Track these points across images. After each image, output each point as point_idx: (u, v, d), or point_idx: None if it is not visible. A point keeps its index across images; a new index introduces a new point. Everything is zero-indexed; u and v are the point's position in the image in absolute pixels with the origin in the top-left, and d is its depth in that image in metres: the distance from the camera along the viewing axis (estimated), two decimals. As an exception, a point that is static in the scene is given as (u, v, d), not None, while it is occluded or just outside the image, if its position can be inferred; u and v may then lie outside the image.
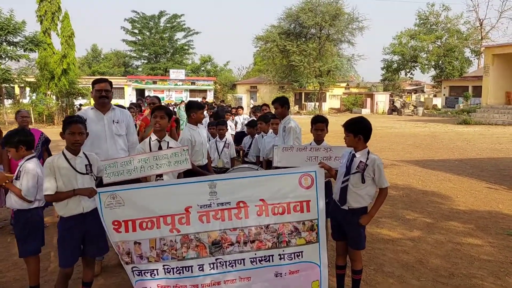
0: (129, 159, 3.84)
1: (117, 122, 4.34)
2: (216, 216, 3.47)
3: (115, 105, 4.92)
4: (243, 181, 3.52)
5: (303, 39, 41.03)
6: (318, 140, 4.33)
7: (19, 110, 6.11)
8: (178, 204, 3.45)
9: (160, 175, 3.97)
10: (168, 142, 4.17)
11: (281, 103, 5.04)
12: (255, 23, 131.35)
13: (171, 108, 24.82)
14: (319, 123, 4.30)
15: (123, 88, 43.32)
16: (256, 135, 6.71)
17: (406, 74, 53.34)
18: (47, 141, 5.93)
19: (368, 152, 3.42)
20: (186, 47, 55.91)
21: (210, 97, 43.04)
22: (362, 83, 53.77)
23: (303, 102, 45.99)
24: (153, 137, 4.17)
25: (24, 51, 23.55)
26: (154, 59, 55.24)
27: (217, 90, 48.53)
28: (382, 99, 43.92)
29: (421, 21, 51.12)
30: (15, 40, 23.10)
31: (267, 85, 43.95)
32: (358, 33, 41.10)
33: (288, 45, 39.55)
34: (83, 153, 3.43)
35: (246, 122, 11.12)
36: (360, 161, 3.38)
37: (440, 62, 48.82)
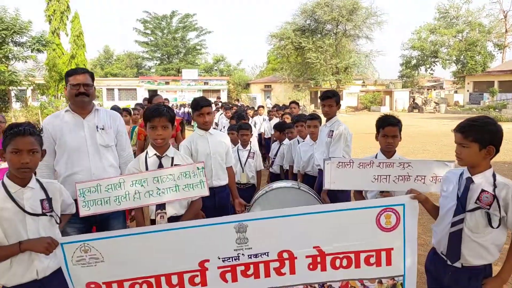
0: (118, 180, 2.67)
1: (103, 129, 3.15)
2: (246, 273, 2.28)
3: (112, 108, 3.75)
4: (289, 220, 2.28)
5: (319, 36, 39.61)
6: (389, 151, 3.01)
7: None
8: (189, 256, 2.25)
9: (163, 206, 2.76)
10: (172, 158, 2.90)
11: (338, 98, 3.86)
12: (268, 21, 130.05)
13: (187, 109, 23.08)
14: (391, 127, 2.96)
15: (135, 89, 42.47)
16: (287, 141, 5.44)
17: (426, 70, 51.40)
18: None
19: (494, 175, 2.13)
20: (199, 47, 55.06)
21: (224, 97, 41.93)
22: (379, 80, 52.03)
23: (319, 100, 44.49)
24: (151, 151, 2.92)
25: (31, 51, 22.74)
26: (167, 60, 54.49)
27: (231, 89, 47.41)
28: (401, 96, 42.29)
29: (441, 15, 49.14)
30: (21, 40, 22.29)
31: (282, 83, 42.64)
32: (377, 28, 39.52)
33: (303, 41, 38.15)
34: (37, 181, 2.22)
35: (266, 123, 9.88)
36: (483, 191, 2.09)
37: (462, 57, 46.80)
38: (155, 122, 2.79)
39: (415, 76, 52.31)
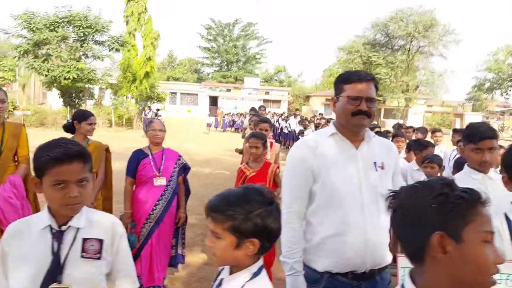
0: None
1: (382, 168, 2.03)
2: None
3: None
4: None
5: (389, 51, 37.88)
6: None
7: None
8: None
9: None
10: None
11: None
12: (328, 34, 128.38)
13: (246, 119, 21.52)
14: None
15: (196, 94, 42.58)
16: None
17: (502, 94, 47.97)
18: (185, 168, 3.87)
19: None
20: (258, 56, 54.90)
21: (284, 109, 41.00)
22: (446, 101, 49.23)
23: (381, 118, 42.51)
24: None
25: (109, 50, 22.91)
26: (226, 67, 54.73)
27: (290, 101, 46.48)
28: (473, 120, 39.40)
29: (522, 36, 45.82)
30: (101, 39, 22.55)
31: (345, 98, 41.05)
32: (453, 47, 37.23)
33: (373, 56, 36.58)
34: None
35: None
36: None
37: (545, 82, 43.23)
38: None
39: (486, 100, 48.99)
